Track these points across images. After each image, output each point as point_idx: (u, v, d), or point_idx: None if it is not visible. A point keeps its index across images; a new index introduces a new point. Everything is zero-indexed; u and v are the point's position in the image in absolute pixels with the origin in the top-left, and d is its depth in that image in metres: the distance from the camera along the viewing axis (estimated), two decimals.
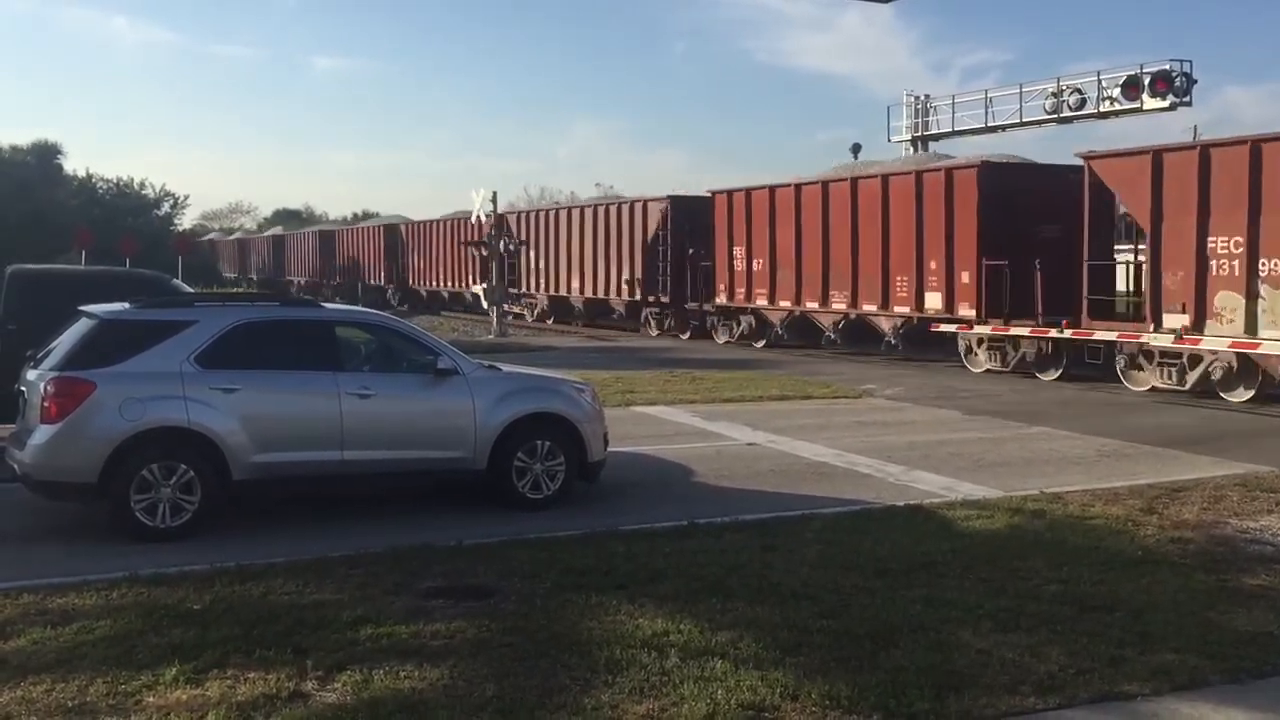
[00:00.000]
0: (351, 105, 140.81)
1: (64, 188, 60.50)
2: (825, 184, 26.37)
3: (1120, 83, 31.58)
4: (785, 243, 27.21)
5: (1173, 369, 18.87)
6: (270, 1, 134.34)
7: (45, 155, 60.10)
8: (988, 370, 22.64)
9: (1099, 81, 32.27)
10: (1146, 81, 30.97)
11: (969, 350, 23.12)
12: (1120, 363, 19.85)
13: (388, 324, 10.76)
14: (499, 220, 35.03)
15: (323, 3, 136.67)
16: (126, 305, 9.92)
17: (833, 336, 26.23)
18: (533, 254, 38.93)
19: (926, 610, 7.13)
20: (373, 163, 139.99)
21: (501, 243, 35.58)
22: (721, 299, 29.73)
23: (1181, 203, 18.43)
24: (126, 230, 47.07)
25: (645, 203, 33.94)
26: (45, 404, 9.05)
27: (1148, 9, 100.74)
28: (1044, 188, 22.40)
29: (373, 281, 54.97)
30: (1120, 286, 21.76)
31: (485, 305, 36.46)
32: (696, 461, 12.63)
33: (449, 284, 47.22)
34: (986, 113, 36.04)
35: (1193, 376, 18.55)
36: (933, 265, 23.36)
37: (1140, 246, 20.28)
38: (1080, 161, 20.84)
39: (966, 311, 22.71)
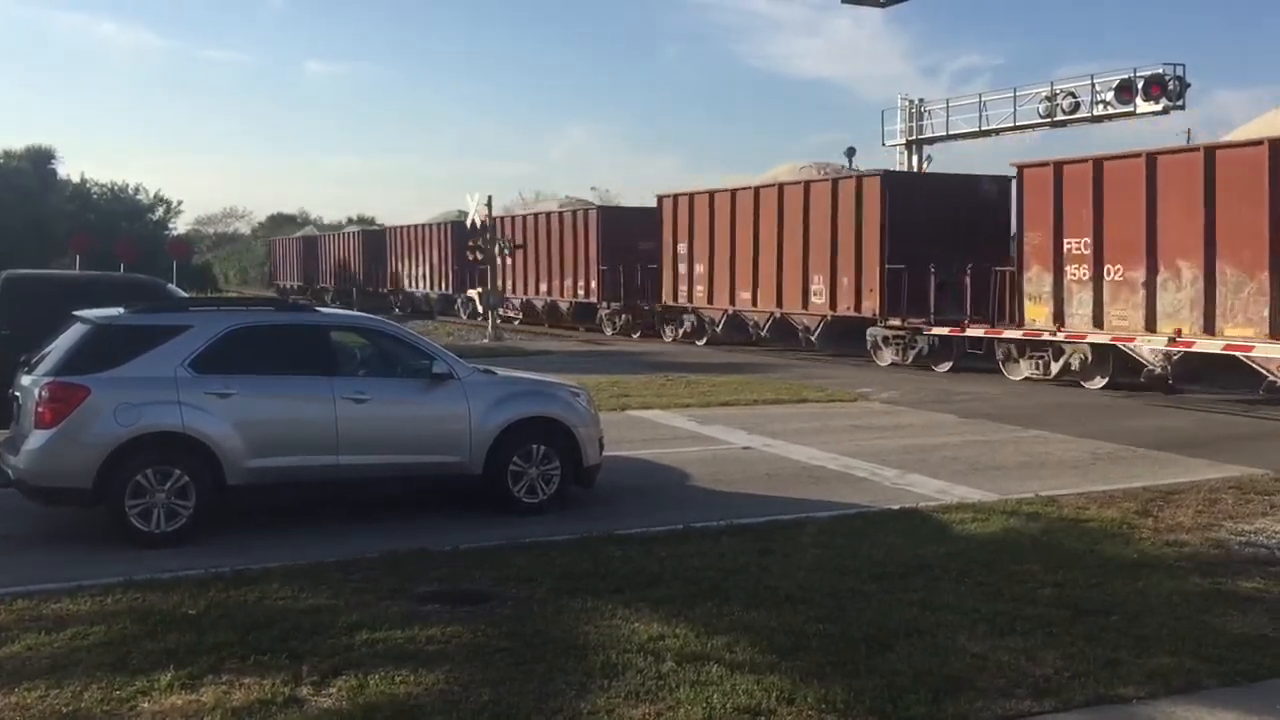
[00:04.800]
0: (344, 109, 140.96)
1: (58, 193, 60.43)
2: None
3: (1113, 86, 31.65)
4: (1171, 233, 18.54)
5: None
6: (260, 6, 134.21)
7: (40, 160, 60.09)
8: None
9: (1093, 85, 32.33)
10: (1140, 85, 31.05)
11: None
12: None
13: (383, 328, 10.76)
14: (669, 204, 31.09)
15: (313, 7, 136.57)
16: (121, 310, 9.91)
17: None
18: (682, 248, 31.23)
19: (922, 614, 7.13)
20: (366, 167, 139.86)
21: (497, 246, 35.63)
22: (1041, 320, 20.93)
23: None
24: (121, 235, 46.95)
25: (858, 179, 25.56)
26: (39, 409, 9.03)
27: (1133, 13, 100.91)
28: None
29: (437, 290, 47.07)
30: None
31: (480, 309, 36.49)
32: (692, 465, 12.63)
33: (568, 293, 37.86)
34: (980, 117, 36.06)
35: None
36: None
37: None
38: None
39: None
